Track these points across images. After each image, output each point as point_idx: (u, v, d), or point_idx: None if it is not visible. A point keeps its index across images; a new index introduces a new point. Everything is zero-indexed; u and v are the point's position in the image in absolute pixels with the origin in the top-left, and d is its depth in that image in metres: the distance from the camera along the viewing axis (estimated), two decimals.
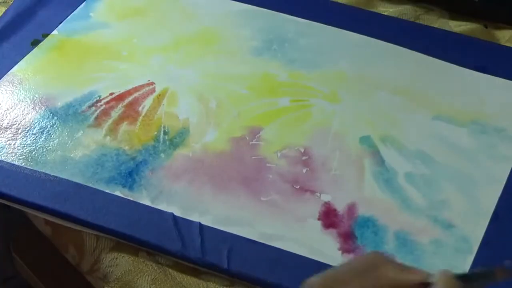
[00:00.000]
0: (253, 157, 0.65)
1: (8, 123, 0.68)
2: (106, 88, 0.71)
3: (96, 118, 0.68)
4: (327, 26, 0.76)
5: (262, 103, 0.69)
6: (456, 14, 0.80)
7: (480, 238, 0.59)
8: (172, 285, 0.59)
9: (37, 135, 0.67)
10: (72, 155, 0.65)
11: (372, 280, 0.41)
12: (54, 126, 0.68)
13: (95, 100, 0.70)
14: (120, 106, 0.69)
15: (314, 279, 0.42)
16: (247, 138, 0.66)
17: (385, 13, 0.79)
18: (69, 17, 0.79)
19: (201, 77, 0.72)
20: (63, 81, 0.72)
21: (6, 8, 0.80)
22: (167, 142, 0.66)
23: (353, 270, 0.42)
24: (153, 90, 0.71)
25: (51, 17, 0.79)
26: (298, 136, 0.66)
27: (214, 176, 0.63)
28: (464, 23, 0.78)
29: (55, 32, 0.77)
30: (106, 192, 0.63)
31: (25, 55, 0.75)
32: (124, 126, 0.68)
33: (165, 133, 0.67)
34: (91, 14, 0.79)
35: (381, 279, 0.42)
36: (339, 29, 0.76)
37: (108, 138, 0.67)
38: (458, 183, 0.62)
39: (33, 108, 0.70)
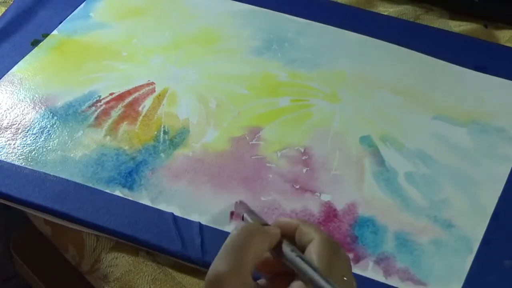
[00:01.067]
0: (253, 157, 0.65)
1: (8, 123, 0.68)
2: (106, 88, 0.71)
3: (96, 118, 0.68)
4: (327, 26, 0.77)
5: (262, 103, 0.69)
6: (456, 14, 0.80)
7: (480, 238, 0.59)
8: (172, 285, 0.59)
9: (37, 135, 0.67)
10: (72, 155, 0.65)
11: (249, 256, 0.43)
12: (54, 126, 0.68)
13: (95, 100, 0.70)
14: (120, 106, 0.69)
15: (222, 275, 0.42)
16: (247, 138, 0.66)
17: (385, 13, 0.79)
18: (69, 17, 0.79)
19: (201, 77, 0.72)
20: (63, 81, 0.72)
21: (6, 8, 0.80)
22: (167, 142, 0.66)
23: (237, 249, 0.43)
24: (153, 90, 0.71)
25: (51, 17, 0.79)
26: (298, 136, 0.66)
27: (214, 176, 0.63)
28: (464, 23, 0.78)
29: (55, 32, 0.77)
30: (106, 192, 0.63)
31: (25, 55, 0.75)
32: (124, 126, 0.68)
33: (165, 133, 0.67)
34: (91, 14, 0.79)
35: (255, 254, 0.43)
36: (339, 29, 0.76)
37: (108, 138, 0.67)
38: (458, 183, 0.62)
39: (33, 108, 0.70)
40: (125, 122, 0.68)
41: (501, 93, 0.70)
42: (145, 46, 0.75)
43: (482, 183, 0.62)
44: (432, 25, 0.78)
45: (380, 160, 0.64)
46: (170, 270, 0.60)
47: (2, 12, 0.80)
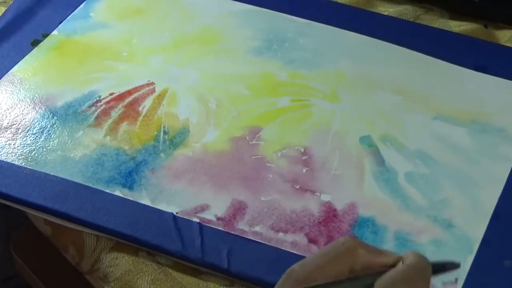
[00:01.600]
0: (253, 157, 0.65)
1: (8, 123, 0.68)
2: (106, 88, 0.71)
3: (96, 118, 0.68)
4: (327, 26, 0.76)
5: (262, 103, 0.69)
6: (456, 14, 0.80)
7: (480, 238, 0.59)
8: (172, 285, 0.59)
9: (37, 135, 0.67)
10: (72, 155, 0.65)
11: (347, 263, 0.42)
12: (54, 126, 0.68)
13: (95, 100, 0.70)
14: (120, 106, 0.70)
15: (294, 267, 0.42)
16: (247, 138, 0.66)
17: (385, 13, 0.79)
18: (69, 17, 0.79)
19: (201, 77, 0.72)
20: (63, 81, 0.72)
21: (6, 8, 0.80)
22: (167, 142, 0.66)
23: (329, 255, 0.42)
24: (153, 90, 0.71)
25: (51, 17, 0.79)
26: (298, 136, 0.66)
27: (214, 176, 0.63)
28: (464, 23, 0.78)
29: (55, 32, 0.77)
30: (106, 192, 0.63)
31: (25, 55, 0.75)
32: (124, 126, 0.68)
33: (165, 133, 0.67)
34: (91, 14, 0.79)
35: (356, 261, 0.42)
36: (339, 29, 0.76)
37: (108, 138, 0.67)
38: (458, 183, 0.62)
39: (33, 108, 0.70)
40: (125, 122, 0.68)
41: (501, 93, 0.70)
42: (145, 46, 0.75)
43: (482, 183, 0.62)
44: (432, 25, 0.78)
45: (380, 160, 0.64)
46: (170, 270, 0.60)
47: (2, 12, 0.80)
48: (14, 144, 0.66)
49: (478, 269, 0.57)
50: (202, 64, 0.73)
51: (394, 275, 0.42)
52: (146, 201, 0.62)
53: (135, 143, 0.66)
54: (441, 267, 0.44)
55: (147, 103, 0.70)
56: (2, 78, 0.73)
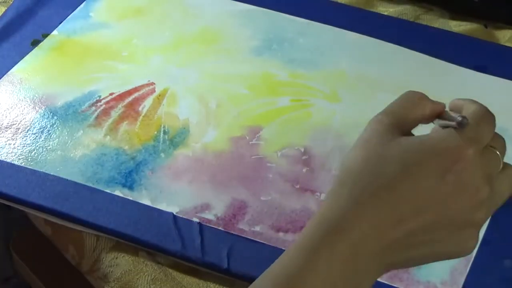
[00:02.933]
0: (253, 157, 0.65)
1: (8, 123, 0.68)
2: (106, 88, 0.71)
3: (96, 118, 0.68)
4: (327, 26, 0.76)
5: (262, 103, 0.69)
6: (456, 14, 0.80)
7: (480, 238, 0.58)
8: (172, 285, 0.59)
9: (37, 135, 0.67)
10: (72, 155, 0.65)
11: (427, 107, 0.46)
12: (54, 126, 0.68)
13: (95, 100, 0.70)
14: (120, 106, 0.70)
15: (381, 118, 0.46)
16: (247, 137, 0.66)
17: (385, 13, 0.79)
18: (69, 17, 0.79)
19: (201, 77, 0.72)
20: (63, 81, 0.72)
21: (6, 8, 0.80)
22: (167, 142, 0.66)
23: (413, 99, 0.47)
24: (153, 90, 0.71)
25: (51, 17, 0.79)
26: (298, 135, 0.66)
27: (214, 176, 0.63)
28: (464, 23, 0.78)
29: (55, 32, 0.77)
30: (106, 192, 0.63)
31: (25, 55, 0.75)
32: (124, 126, 0.68)
33: (165, 133, 0.67)
34: (91, 14, 0.79)
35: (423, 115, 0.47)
36: (339, 29, 0.76)
37: (108, 137, 0.67)
38: None
39: (33, 108, 0.70)
40: (125, 122, 0.68)
41: (501, 93, 0.70)
42: (145, 46, 0.75)
43: None
44: (432, 25, 0.78)
45: None
46: (170, 270, 0.60)
47: (2, 12, 0.80)
48: (14, 144, 0.66)
49: (478, 269, 0.57)
50: (202, 64, 0.73)
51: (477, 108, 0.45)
52: (146, 201, 0.62)
53: (135, 143, 0.66)
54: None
55: (147, 103, 0.70)
56: (2, 78, 0.73)
